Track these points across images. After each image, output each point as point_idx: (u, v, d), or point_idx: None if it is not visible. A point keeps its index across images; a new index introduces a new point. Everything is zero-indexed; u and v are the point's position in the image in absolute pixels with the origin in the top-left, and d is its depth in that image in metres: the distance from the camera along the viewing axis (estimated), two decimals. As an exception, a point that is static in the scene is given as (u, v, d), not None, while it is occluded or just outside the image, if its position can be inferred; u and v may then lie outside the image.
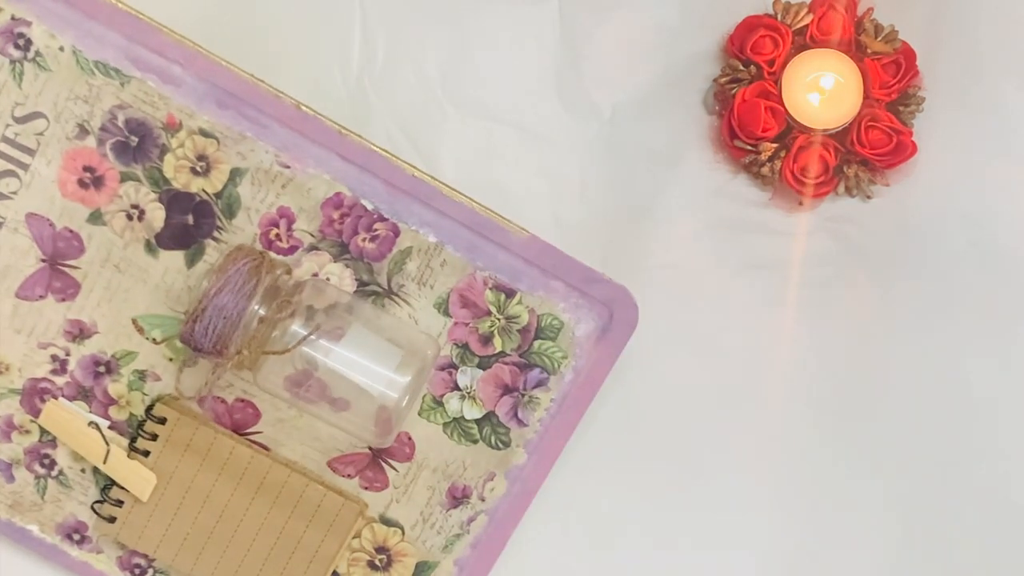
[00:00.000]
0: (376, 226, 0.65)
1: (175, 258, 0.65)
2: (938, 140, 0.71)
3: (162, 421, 0.66)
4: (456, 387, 0.67)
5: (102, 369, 0.67)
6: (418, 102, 0.70)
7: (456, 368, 0.67)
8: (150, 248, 0.65)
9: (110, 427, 0.67)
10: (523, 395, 0.67)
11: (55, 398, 0.67)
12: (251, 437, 0.68)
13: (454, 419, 0.68)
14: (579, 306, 0.66)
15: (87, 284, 0.66)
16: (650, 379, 0.71)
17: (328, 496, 0.67)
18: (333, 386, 0.62)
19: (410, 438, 0.68)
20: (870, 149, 0.69)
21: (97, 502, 0.68)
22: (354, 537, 0.69)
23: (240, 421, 0.68)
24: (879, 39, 0.69)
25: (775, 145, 0.70)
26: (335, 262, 0.65)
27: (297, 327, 0.61)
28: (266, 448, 0.68)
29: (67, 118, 0.63)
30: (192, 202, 0.65)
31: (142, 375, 0.67)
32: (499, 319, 0.66)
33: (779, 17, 0.70)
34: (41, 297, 0.66)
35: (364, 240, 0.65)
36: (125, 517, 0.68)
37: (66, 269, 0.65)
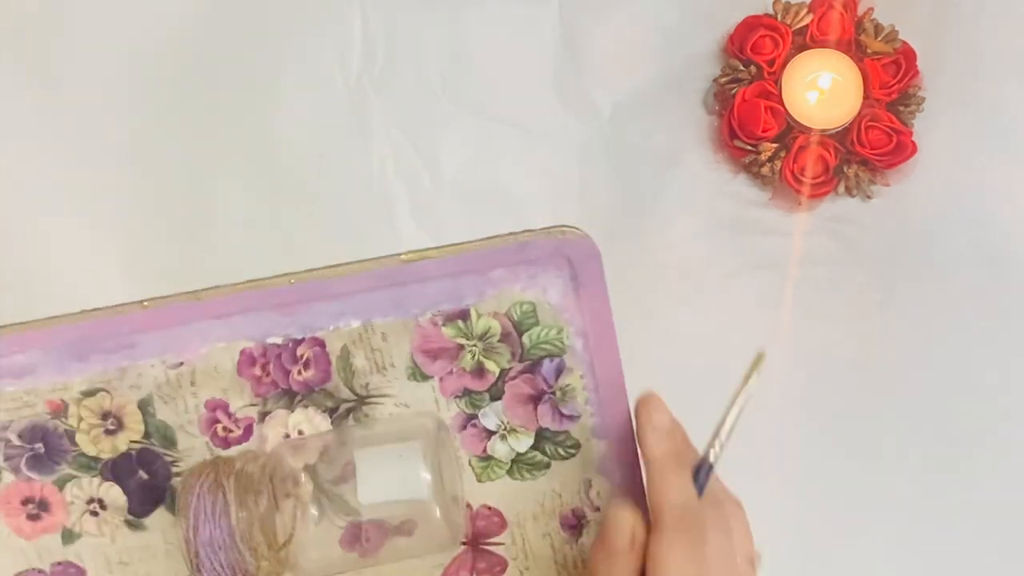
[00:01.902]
0: (299, 352, 0.60)
1: (161, 517, 0.61)
2: (938, 140, 0.71)
3: None
4: (489, 432, 0.62)
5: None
6: (418, 102, 0.70)
7: (475, 416, 0.61)
8: (133, 525, 0.61)
9: None
10: (554, 392, 0.62)
11: None
12: None
13: (511, 461, 0.62)
14: (533, 276, 0.60)
15: None
16: (650, 381, 0.71)
17: None
18: (386, 518, 0.58)
19: (489, 508, 0.62)
20: (870, 149, 0.69)
21: None
22: None
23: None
24: (879, 39, 0.69)
25: (775, 145, 0.69)
26: (293, 412, 0.61)
27: (305, 491, 0.57)
28: None
29: None
30: (131, 460, 0.60)
31: None
32: (474, 345, 0.61)
33: (779, 17, 0.70)
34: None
35: (300, 372, 0.60)
36: None
37: None
